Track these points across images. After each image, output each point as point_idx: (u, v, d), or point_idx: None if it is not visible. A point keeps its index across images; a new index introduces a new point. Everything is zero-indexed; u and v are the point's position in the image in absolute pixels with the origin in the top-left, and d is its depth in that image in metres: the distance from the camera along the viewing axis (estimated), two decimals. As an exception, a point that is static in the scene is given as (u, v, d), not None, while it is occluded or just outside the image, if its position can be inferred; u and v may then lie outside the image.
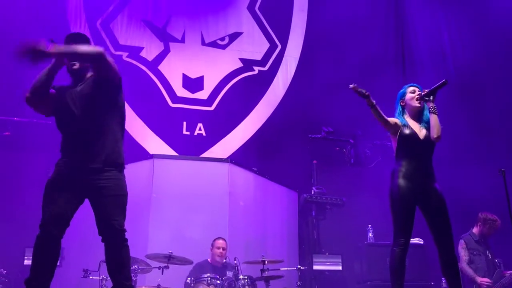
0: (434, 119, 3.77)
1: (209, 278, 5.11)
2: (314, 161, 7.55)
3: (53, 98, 3.24)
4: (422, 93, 3.89)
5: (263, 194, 7.07)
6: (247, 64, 8.37)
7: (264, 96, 8.29)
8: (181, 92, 8.00)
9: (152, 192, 6.25)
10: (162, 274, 5.11)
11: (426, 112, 3.90)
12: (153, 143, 7.61)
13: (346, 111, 7.76)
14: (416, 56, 8.75)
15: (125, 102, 6.78)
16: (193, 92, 8.04)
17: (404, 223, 3.69)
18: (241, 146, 7.93)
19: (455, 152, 7.23)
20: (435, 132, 3.75)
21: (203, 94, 8.07)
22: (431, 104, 3.82)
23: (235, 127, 8.03)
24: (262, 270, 5.34)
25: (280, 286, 5.52)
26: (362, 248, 6.43)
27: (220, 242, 5.81)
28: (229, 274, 5.20)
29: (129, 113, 7.61)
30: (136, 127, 7.65)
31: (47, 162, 6.51)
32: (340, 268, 6.68)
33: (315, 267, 6.64)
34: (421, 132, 3.82)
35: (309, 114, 7.87)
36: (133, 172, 6.50)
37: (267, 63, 8.47)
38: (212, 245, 5.86)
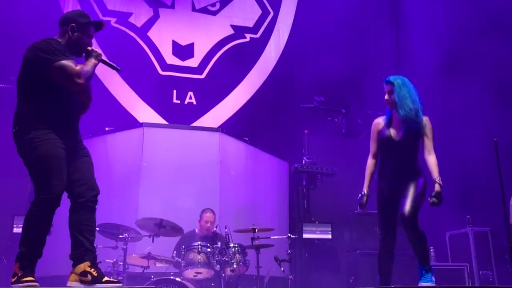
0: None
1: (199, 246, 5.11)
2: (306, 131, 7.52)
3: None
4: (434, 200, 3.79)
5: (254, 163, 7.05)
6: (239, 31, 8.22)
7: (256, 64, 8.18)
8: (171, 59, 7.86)
9: (142, 161, 6.19)
10: (153, 242, 5.11)
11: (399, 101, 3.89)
12: (143, 112, 7.50)
13: (339, 80, 7.71)
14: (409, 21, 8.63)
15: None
16: (183, 59, 7.90)
17: (384, 223, 3.82)
18: (232, 115, 7.86)
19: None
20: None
21: (193, 62, 7.94)
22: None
23: (226, 96, 7.94)
24: (253, 239, 5.35)
25: (271, 254, 5.55)
26: (352, 217, 6.46)
27: (207, 216, 5.77)
28: (218, 244, 5.21)
29: (118, 80, 7.52)
30: (125, 95, 7.53)
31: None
32: (330, 236, 6.74)
33: (305, 236, 6.69)
34: (399, 133, 3.84)
35: (301, 83, 7.79)
36: (123, 141, 6.47)
37: (259, 30, 8.32)
38: (200, 217, 5.83)
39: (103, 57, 3.32)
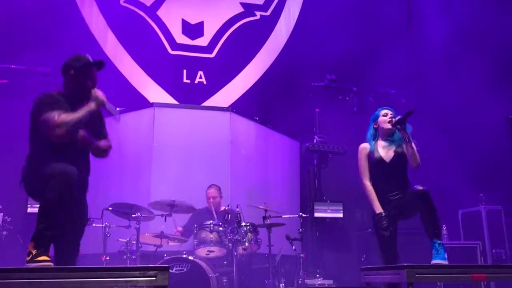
0: (410, 150, 3.94)
1: (212, 225, 5.14)
2: (317, 110, 7.47)
3: None
4: (394, 120, 4.04)
5: (265, 143, 7.03)
6: (249, 8, 8.11)
7: (266, 43, 8.09)
8: (180, 38, 7.80)
9: (153, 141, 6.20)
10: (165, 221, 5.15)
11: (397, 134, 4.06)
12: (153, 92, 7.49)
13: (350, 58, 7.61)
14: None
15: (124, 49, 6.67)
16: (193, 38, 7.83)
17: (387, 248, 3.85)
18: (242, 95, 7.81)
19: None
20: (413, 162, 3.94)
21: (203, 41, 7.87)
22: (403, 133, 3.97)
23: (236, 75, 7.88)
24: (264, 218, 5.38)
25: (282, 233, 5.57)
26: (363, 195, 6.44)
27: (210, 192, 5.82)
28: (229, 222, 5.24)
29: (128, 60, 7.49)
30: (135, 75, 7.50)
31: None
32: (341, 215, 6.75)
33: (317, 215, 6.71)
34: (389, 155, 4.00)
35: (312, 62, 7.71)
36: (134, 121, 6.48)
37: (269, 7, 8.21)
38: (206, 193, 5.87)
39: (106, 105, 3.21)
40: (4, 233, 5.37)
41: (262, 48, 8.04)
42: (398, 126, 3.99)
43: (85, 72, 3.23)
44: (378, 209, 3.88)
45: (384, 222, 3.82)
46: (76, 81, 3.21)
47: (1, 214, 5.35)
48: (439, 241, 3.61)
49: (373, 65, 7.55)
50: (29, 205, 5.93)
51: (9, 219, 5.48)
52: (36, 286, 2.54)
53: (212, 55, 7.86)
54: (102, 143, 3.35)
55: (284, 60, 8.01)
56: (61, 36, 6.70)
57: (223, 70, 7.81)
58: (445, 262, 3.52)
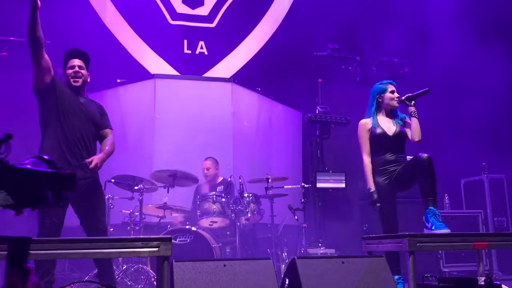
0: (415, 124, 4.02)
1: (214, 196, 5.17)
2: (319, 80, 7.40)
3: (51, 72, 3.48)
4: (403, 97, 4.08)
5: (267, 114, 7.00)
6: (250, -24, 7.95)
7: (268, 12, 7.95)
8: (180, 8, 7.67)
9: (155, 113, 6.18)
10: (168, 192, 5.17)
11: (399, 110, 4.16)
12: (154, 63, 7.42)
13: (353, 27, 7.49)
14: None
15: (125, 20, 6.61)
16: (193, 8, 7.71)
17: (388, 217, 3.89)
18: (244, 65, 7.73)
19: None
20: (415, 136, 4.02)
21: (203, 10, 7.75)
22: (412, 109, 4.04)
23: (238, 45, 7.78)
24: (267, 188, 5.39)
25: (285, 204, 5.60)
26: (365, 166, 6.44)
27: (204, 163, 5.82)
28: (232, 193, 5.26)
29: (128, 31, 7.40)
30: (135, 46, 7.42)
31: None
32: (343, 185, 6.76)
33: (319, 185, 6.72)
34: (391, 129, 4.05)
35: (314, 31, 7.59)
36: (135, 92, 6.45)
37: (270, -25, 8.05)
38: (202, 164, 5.88)
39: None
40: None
41: (264, 17, 7.92)
42: (407, 102, 4.03)
43: (65, 64, 3.59)
44: (370, 184, 3.97)
45: (375, 197, 3.91)
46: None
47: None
48: (433, 208, 3.62)
49: (376, 33, 7.44)
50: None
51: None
52: (41, 257, 2.57)
53: (213, 25, 7.75)
54: (108, 148, 3.58)
55: (286, 30, 7.89)
56: (60, 8, 6.60)
57: (225, 40, 7.71)
58: (447, 231, 3.53)
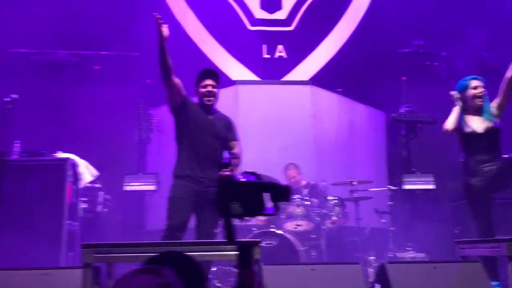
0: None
1: (298, 200, 5.17)
2: (403, 78, 7.16)
3: (182, 93, 3.82)
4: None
5: (348, 115, 6.90)
6: (327, -23, 7.88)
7: (346, 11, 7.82)
8: (259, 13, 7.77)
9: (238, 118, 6.30)
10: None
11: (487, 104, 3.92)
12: (234, 69, 7.57)
13: (437, 21, 7.19)
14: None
15: (205, 28, 6.82)
16: (271, 12, 7.78)
17: (482, 220, 3.71)
18: (323, 66, 7.66)
19: None
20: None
21: (281, 14, 7.79)
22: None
23: (317, 46, 7.73)
24: (351, 191, 5.31)
25: (370, 206, 5.48)
26: (456, 165, 6.13)
27: (289, 173, 5.71)
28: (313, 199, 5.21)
29: (209, 39, 7.62)
30: (216, 53, 7.62)
31: (136, 93, 6.79)
32: (432, 187, 6.48)
33: (406, 187, 6.49)
34: (481, 126, 3.85)
35: (395, 28, 7.35)
36: (218, 100, 6.61)
37: (348, -26, 7.93)
38: (284, 174, 5.82)
39: None
40: (105, 210, 5.76)
41: (343, 17, 7.80)
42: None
43: (199, 83, 3.90)
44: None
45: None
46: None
47: (102, 192, 5.73)
48: None
49: (461, 27, 7.07)
50: (125, 184, 6.32)
51: (109, 197, 5.87)
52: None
53: (291, 28, 7.77)
54: (236, 161, 3.74)
55: (366, 28, 7.72)
56: (144, 20, 6.94)
57: (303, 43, 7.70)
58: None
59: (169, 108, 3.84)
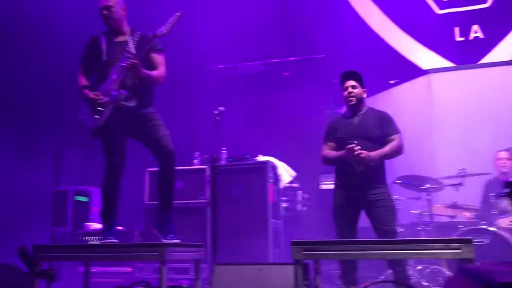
0: None
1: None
2: None
3: None
4: None
5: None
6: None
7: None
8: (447, -6, 7.24)
9: (432, 109, 5.96)
10: (457, 191, 4.89)
11: None
12: (424, 57, 7.17)
13: None
14: None
15: (390, 20, 6.63)
16: (462, -10, 7.18)
17: None
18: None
19: None
20: None
21: (474, -10, 7.12)
22: None
23: (519, 21, 6.87)
24: None
25: None
26: None
27: (498, 154, 5.18)
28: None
29: (394, 30, 7.38)
30: (403, 43, 7.33)
31: (324, 93, 6.93)
32: None
33: None
34: None
35: None
36: (408, 91, 6.36)
37: None
38: (494, 157, 5.25)
39: None
40: (305, 208, 5.99)
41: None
42: None
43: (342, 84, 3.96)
44: None
45: None
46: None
47: (300, 192, 5.97)
48: None
49: None
50: (320, 183, 6.48)
51: (306, 196, 6.08)
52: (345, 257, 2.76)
53: (487, 4, 7.04)
54: (386, 149, 3.75)
55: None
56: (325, 20, 7.05)
57: (502, 19, 6.91)
58: None
59: None
